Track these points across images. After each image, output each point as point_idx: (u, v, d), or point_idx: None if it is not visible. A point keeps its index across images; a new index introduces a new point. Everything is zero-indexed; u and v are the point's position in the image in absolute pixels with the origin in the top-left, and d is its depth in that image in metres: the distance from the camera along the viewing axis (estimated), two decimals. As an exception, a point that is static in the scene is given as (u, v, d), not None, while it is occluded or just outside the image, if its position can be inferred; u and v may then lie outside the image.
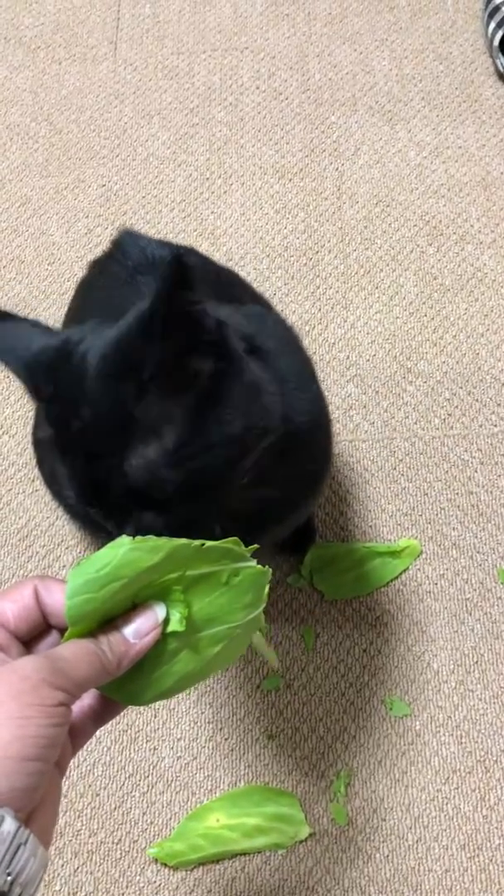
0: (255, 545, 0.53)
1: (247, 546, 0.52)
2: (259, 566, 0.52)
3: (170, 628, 0.49)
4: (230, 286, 0.89)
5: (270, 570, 0.53)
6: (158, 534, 0.49)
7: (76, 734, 0.50)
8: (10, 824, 0.39)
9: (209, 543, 0.49)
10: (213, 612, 0.50)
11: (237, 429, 0.57)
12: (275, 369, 0.66)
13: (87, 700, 0.51)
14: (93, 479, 0.56)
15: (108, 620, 0.49)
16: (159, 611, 0.49)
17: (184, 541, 0.48)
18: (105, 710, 0.52)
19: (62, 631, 0.49)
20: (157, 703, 0.99)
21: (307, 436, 0.72)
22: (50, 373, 0.57)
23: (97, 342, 0.56)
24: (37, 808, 0.42)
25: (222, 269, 0.93)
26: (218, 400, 0.56)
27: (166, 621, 0.49)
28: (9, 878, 0.40)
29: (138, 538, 0.47)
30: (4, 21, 1.48)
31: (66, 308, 0.95)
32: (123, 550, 0.47)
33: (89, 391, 0.55)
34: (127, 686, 0.50)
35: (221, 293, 0.82)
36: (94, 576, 0.46)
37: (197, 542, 0.49)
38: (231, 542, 0.51)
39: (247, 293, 0.91)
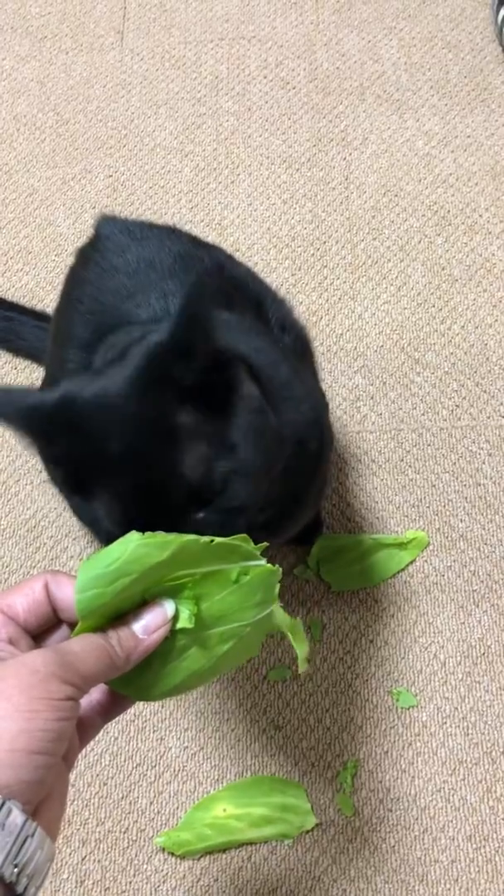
0: (265, 543, 0.53)
1: (256, 543, 0.52)
2: (269, 565, 0.52)
3: (179, 625, 0.49)
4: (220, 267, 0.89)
5: (280, 569, 0.53)
6: (201, 532, 0.50)
7: (84, 728, 0.50)
8: (17, 817, 0.40)
9: (218, 540, 0.49)
10: (222, 610, 0.50)
11: (286, 431, 0.63)
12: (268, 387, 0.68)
13: (95, 695, 0.51)
14: (149, 489, 0.57)
15: (118, 616, 0.49)
16: (168, 607, 0.49)
17: (193, 537, 0.48)
18: (113, 706, 0.52)
19: (72, 626, 0.49)
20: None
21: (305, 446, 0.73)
22: (49, 421, 0.58)
23: (113, 377, 0.58)
24: (44, 800, 0.43)
25: (210, 246, 0.92)
26: (237, 406, 0.60)
27: (175, 618, 0.49)
28: (16, 869, 0.40)
29: (148, 534, 0.48)
30: (11, 11, 1.48)
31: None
32: (133, 546, 0.47)
33: (125, 411, 0.56)
34: (136, 681, 0.50)
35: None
36: (104, 571, 0.47)
37: (206, 539, 0.49)
38: (240, 539, 0.51)
39: (238, 270, 0.91)
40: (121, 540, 0.47)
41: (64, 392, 0.58)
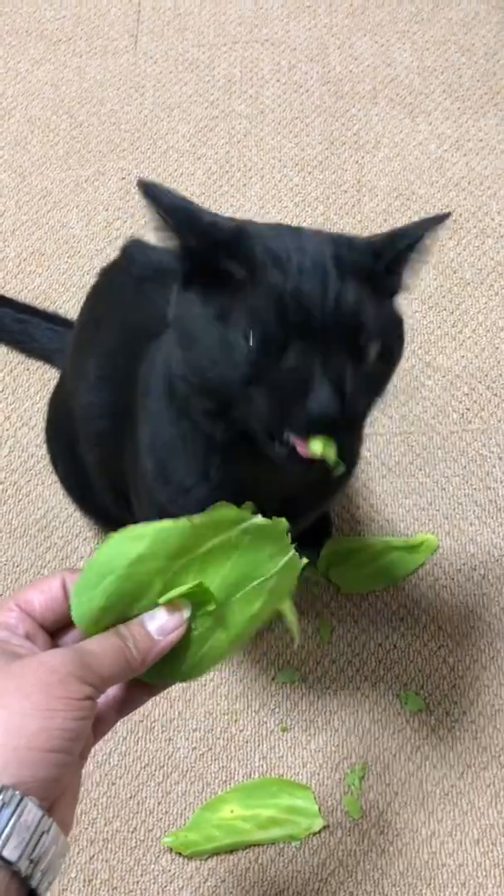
0: (249, 503, 0.53)
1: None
2: (262, 519, 0.51)
3: (200, 612, 0.49)
4: None
5: (284, 520, 0.52)
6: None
7: (98, 724, 0.50)
8: (34, 813, 0.40)
9: (196, 519, 0.49)
10: (238, 576, 0.50)
11: None
12: None
13: (110, 690, 0.52)
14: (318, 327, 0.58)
15: (131, 618, 0.49)
16: (185, 609, 0.49)
17: (167, 523, 0.48)
18: (128, 701, 0.52)
19: None
20: (173, 692, 0.99)
21: None
22: (239, 254, 0.59)
23: (307, 247, 0.61)
24: (59, 797, 0.43)
25: None
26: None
27: (192, 615, 0.49)
28: (31, 864, 0.40)
29: (121, 529, 0.48)
30: (26, 14, 1.49)
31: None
32: (110, 542, 0.48)
33: (335, 290, 0.59)
34: (167, 666, 0.50)
35: None
36: (88, 574, 0.47)
37: (183, 521, 0.48)
38: (222, 508, 0.50)
39: None
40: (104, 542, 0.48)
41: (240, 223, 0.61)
